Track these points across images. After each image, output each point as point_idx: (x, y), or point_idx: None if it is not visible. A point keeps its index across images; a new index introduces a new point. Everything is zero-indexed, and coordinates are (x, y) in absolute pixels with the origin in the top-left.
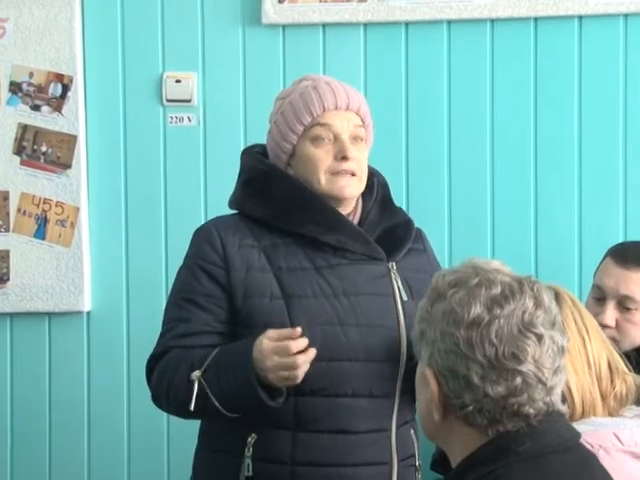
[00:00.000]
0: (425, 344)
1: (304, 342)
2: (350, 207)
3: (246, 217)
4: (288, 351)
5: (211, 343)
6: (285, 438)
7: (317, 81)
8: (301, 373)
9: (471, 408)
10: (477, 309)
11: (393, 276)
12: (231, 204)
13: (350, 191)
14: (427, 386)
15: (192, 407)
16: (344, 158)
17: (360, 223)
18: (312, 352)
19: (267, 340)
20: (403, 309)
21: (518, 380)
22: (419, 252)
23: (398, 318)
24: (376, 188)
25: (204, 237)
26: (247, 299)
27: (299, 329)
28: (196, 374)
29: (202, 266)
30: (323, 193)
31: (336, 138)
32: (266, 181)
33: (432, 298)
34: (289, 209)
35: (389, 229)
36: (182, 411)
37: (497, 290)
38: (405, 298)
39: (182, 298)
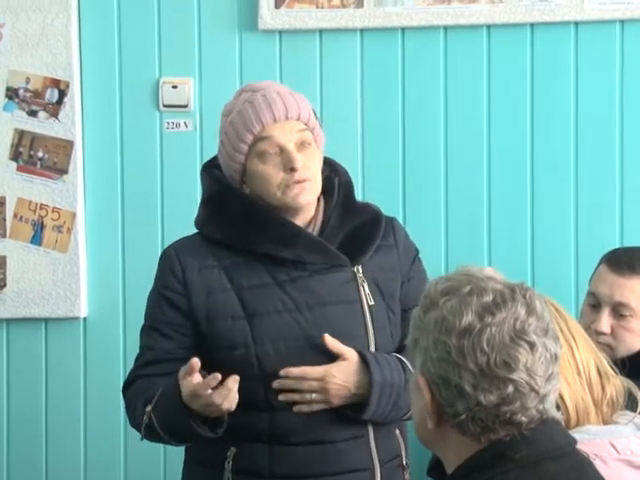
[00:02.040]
0: (418, 352)
1: (214, 379)
2: (309, 215)
3: (207, 237)
4: (202, 392)
5: (174, 370)
6: (262, 451)
7: (255, 93)
8: (228, 404)
9: (464, 417)
10: (469, 317)
11: (359, 281)
12: (195, 223)
13: (305, 198)
14: (420, 394)
15: (141, 438)
16: (293, 169)
17: (322, 229)
18: (232, 380)
19: (184, 383)
20: (371, 314)
21: (510, 388)
22: (389, 248)
23: (366, 324)
24: (337, 189)
25: (165, 263)
26: (210, 322)
27: (193, 363)
28: (147, 409)
29: (164, 294)
30: (279, 206)
31: (282, 150)
32: (221, 201)
33: (425, 306)
34: (244, 229)
35: (353, 231)
36: (147, 439)
37: (489, 298)
38: (372, 302)
39: (148, 326)
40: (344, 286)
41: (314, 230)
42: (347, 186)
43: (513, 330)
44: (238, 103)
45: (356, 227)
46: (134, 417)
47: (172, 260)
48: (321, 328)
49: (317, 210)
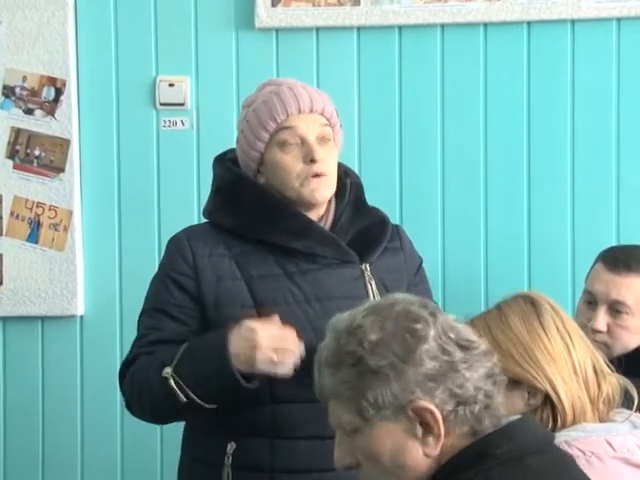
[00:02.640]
0: (410, 385)
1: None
2: (321, 211)
3: (217, 225)
4: (285, 343)
5: None
6: (264, 446)
7: (280, 86)
8: (292, 359)
9: (477, 407)
10: (428, 324)
11: (367, 278)
12: (204, 213)
13: (321, 194)
14: (410, 428)
15: (183, 398)
16: (312, 161)
17: (333, 226)
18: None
19: (265, 330)
20: None
21: (490, 355)
22: (395, 251)
23: None
24: (349, 189)
25: (175, 247)
26: (218, 309)
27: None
28: (167, 370)
29: (172, 277)
30: (295, 199)
31: (303, 141)
32: (234, 190)
33: (403, 351)
34: (256, 218)
35: (362, 230)
36: (156, 412)
37: (415, 305)
38: None
39: (153, 308)
40: (352, 282)
41: (325, 226)
42: (358, 187)
43: (445, 317)
44: (262, 94)
45: (365, 227)
46: (142, 388)
47: (182, 244)
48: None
49: (329, 208)
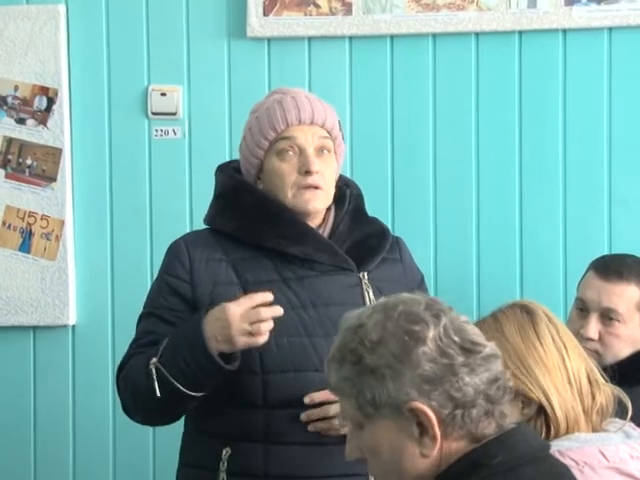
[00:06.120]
0: (401, 385)
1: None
2: (319, 219)
3: (217, 232)
4: (258, 316)
5: None
6: (257, 451)
7: (285, 95)
8: (266, 327)
9: (475, 411)
10: (429, 323)
11: (364, 286)
12: (205, 220)
13: (314, 205)
14: (407, 428)
15: (158, 393)
16: (308, 172)
17: (331, 234)
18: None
19: (235, 306)
20: None
21: (495, 359)
22: (394, 262)
23: None
24: (348, 199)
25: (173, 252)
26: None
27: (270, 295)
28: (153, 361)
29: (168, 281)
30: (289, 207)
31: (301, 152)
32: (234, 195)
33: (396, 350)
34: (255, 223)
35: (361, 240)
36: (149, 407)
37: (420, 305)
38: None
39: (148, 312)
40: (349, 289)
41: (324, 234)
42: (358, 199)
43: (452, 317)
44: (268, 102)
45: (364, 237)
46: (133, 386)
47: (181, 250)
48: (324, 327)
49: (327, 216)
